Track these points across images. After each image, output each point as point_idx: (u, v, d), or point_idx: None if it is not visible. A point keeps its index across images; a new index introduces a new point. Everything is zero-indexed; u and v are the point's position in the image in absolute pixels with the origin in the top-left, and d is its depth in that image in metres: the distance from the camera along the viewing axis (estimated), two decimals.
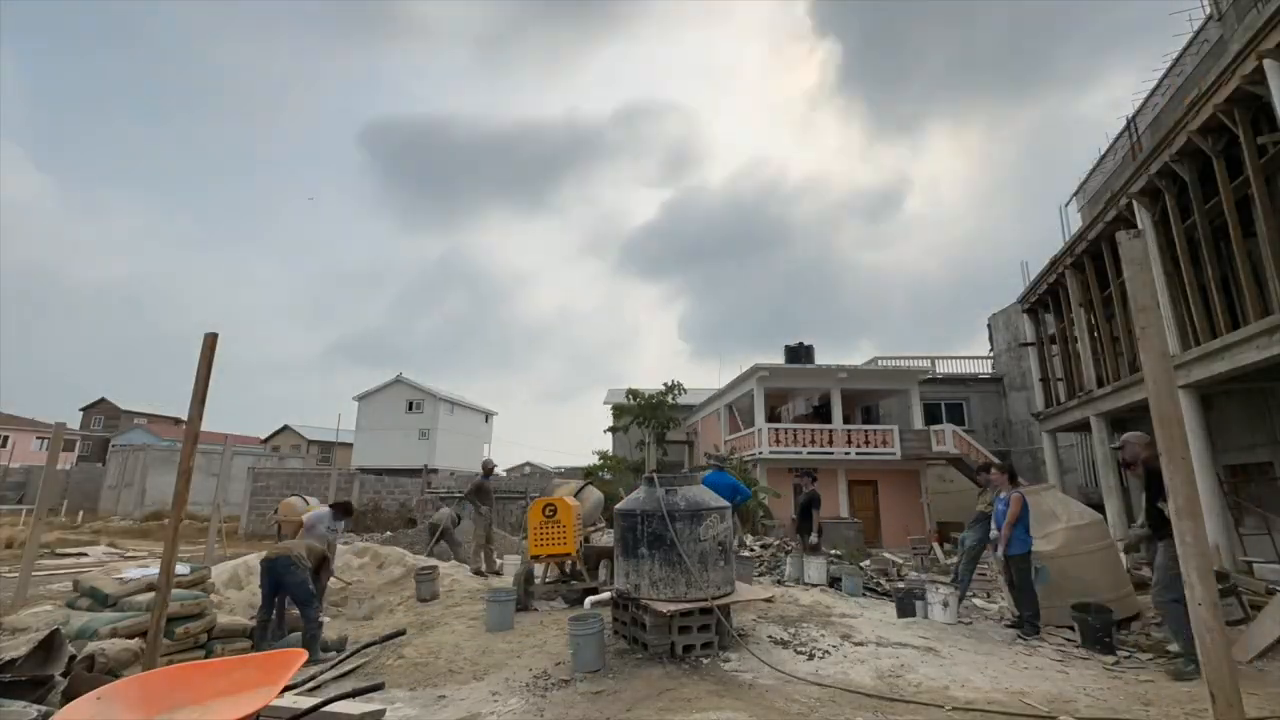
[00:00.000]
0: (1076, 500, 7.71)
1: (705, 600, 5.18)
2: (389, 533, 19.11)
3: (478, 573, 9.54)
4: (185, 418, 4.17)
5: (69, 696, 3.63)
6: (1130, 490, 14.42)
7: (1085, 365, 13.94)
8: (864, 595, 8.13)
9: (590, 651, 4.88)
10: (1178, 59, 13.13)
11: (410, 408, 40.31)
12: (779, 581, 9.13)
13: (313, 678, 4.72)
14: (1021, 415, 23.54)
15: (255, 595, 7.91)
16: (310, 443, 55.49)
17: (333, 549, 7.09)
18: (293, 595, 5.72)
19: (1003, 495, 6.71)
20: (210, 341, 4.26)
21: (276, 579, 5.71)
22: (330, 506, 7.46)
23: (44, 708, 3.24)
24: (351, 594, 8.35)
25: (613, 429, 29.54)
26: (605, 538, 8.70)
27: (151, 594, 4.88)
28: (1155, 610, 5.73)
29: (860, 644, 5.57)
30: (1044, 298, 16.41)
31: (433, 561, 9.55)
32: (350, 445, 43.01)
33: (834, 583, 8.70)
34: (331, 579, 7.67)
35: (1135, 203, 11.44)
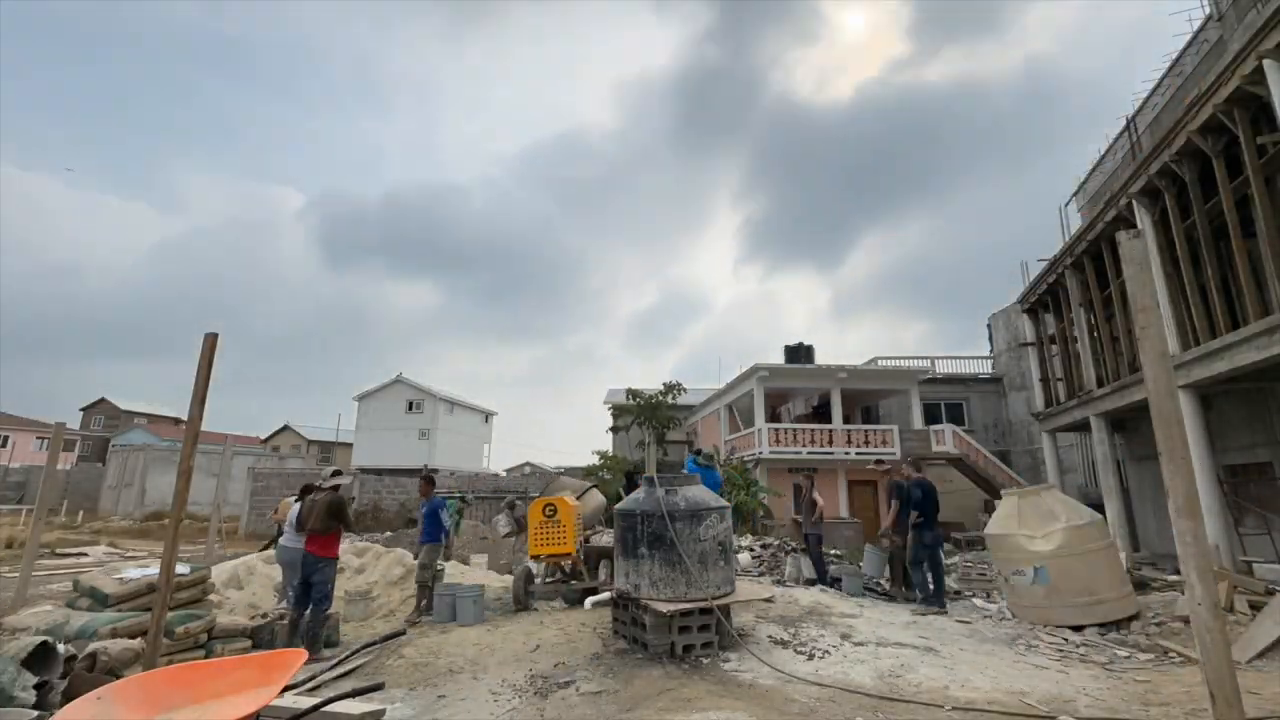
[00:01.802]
0: (1076, 500, 7.72)
1: (705, 600, 5.18)
2: (389, 533, 19.14)
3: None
4: (185, 418, 4.17)
5: (69, 696, 3.63)
6: (1130, 491, 14.42)
7: (1085, 365, 13.94)
8: (864, 595, 8.14)
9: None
10: (1177, 59, 13.12)
11: (410, 408, 40.31)
12: (779, 582, 9.13)
13: (313, 677, 4.72)
14: (1021, 415, 23.53)
15: (255, 595, 7.93)
16: (310, 443, 55.46)
17: None
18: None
19: None
20: (210, 342, 4.26)
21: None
22: (297, 500, 7.60)
23: (41, 712, 3.24)
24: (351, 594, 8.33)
25: (613, 429, 29.53)
26: (605, 538, 8.70)
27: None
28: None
29: (860, 644, 5.57)
30: (1044, 298, 16.39)
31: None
32: (350, 445, 43.01)
33: (834, 583, 8.73)
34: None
35: (1135, 203, 11.44)
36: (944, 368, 26.03)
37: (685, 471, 8.60)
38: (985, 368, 26.24)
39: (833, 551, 11.89)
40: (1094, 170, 16.56)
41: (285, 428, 57.06)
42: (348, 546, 10.20)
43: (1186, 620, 5.77)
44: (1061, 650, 5.75)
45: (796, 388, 23.99)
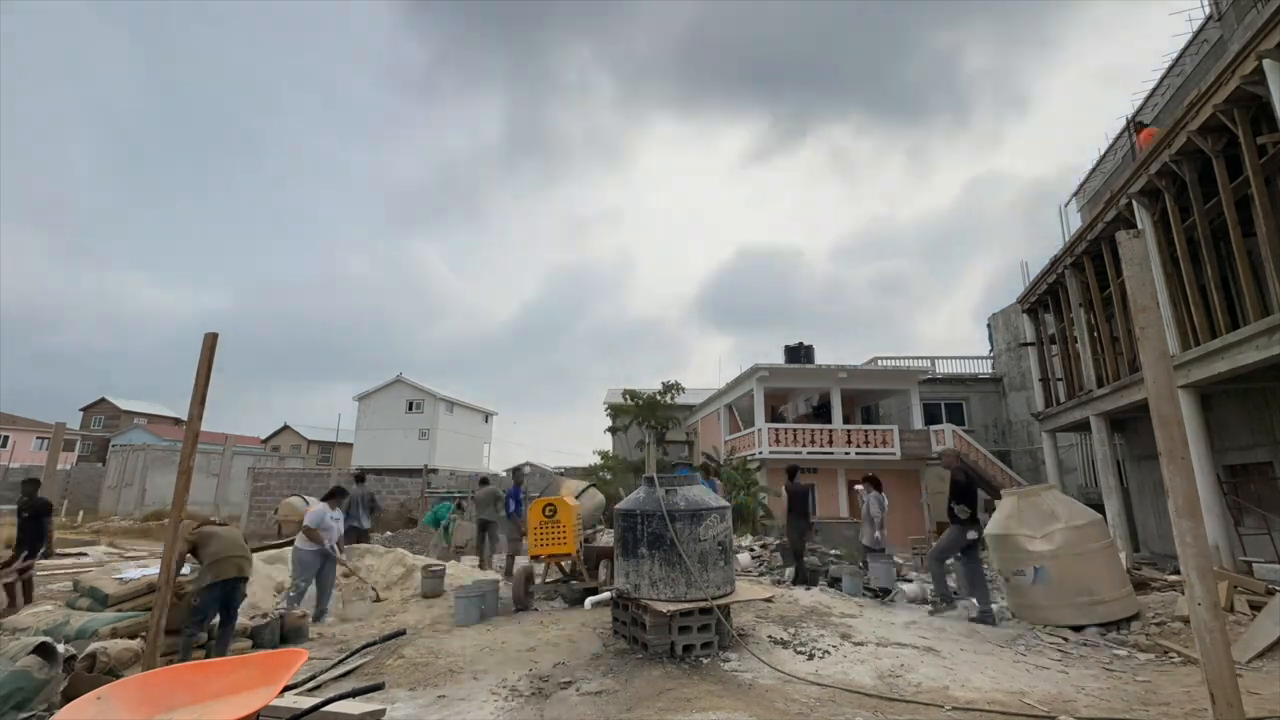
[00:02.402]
0: (1076, 500, 7.71)
1: (705, 600, 5.18)
2: (389, 533, 19.12)
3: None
4: (185, 418, 4.17)
5: (69, 697, 3.64)
6: (1130, 491, 14.42)
7: (1085, 365, 13.94)
8: (863, 595, 8.14)
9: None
10: (1178, 59, 13.12)
11: (410, 408, 40.28)
12: (779, 581, 9.13)
13: (313, 677, 4.72)
14: (1021, 415, 23.54)
15: (255, 595, 7.91)
16: (310, 443, 55.50)
17: (340, 539, 7.40)
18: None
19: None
20: (210, 341, 4.26)
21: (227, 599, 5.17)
22: (323, 499, 7.62)
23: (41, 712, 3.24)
24: (351, 594, 8.34)
25: (613, 429, 29.53)
26: (605, 538, 8.71)
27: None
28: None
29: (860, 644, 5.57)
30: (1044, 298, 16.40)
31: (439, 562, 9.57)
32: (350, 445, 43.00)
33: (834, 583, 8.73)
34: (342, 570, 7.80)
35: (1135, 203, 11.44)
36: (944, 368, 26.03)
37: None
38: (985, 368, 26.24)
39: (833, 552, 11.88)
40: (1094, 170, 16.56)
41: (285, 428, 57.10)
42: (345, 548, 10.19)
43: (1186, 620, 5.77)
44: (1061, 650, 5.75)
45: (796, 388, 23.98)
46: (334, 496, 7.73)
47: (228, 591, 5.06)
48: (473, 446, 44.02)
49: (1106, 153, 15.90)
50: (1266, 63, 7.96)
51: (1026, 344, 18.26)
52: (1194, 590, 2.68)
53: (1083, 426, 14.76)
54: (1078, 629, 6.37)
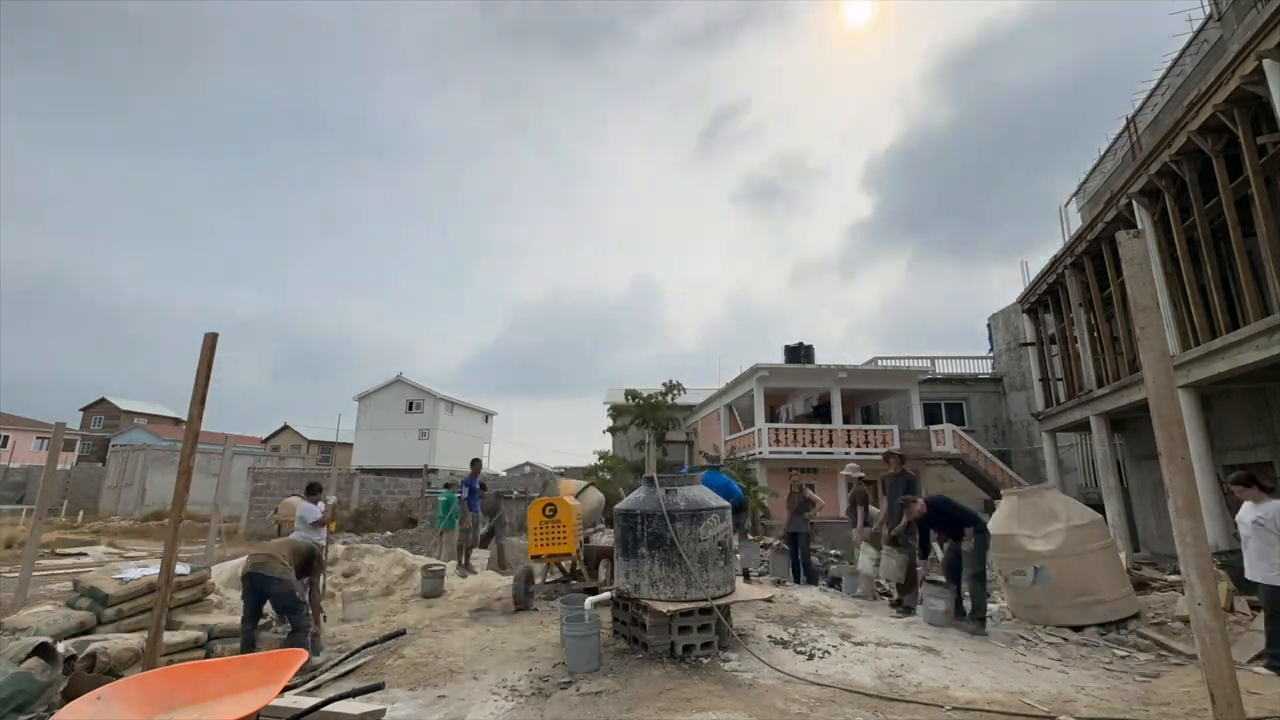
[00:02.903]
0: (1076, 500, 7.71)
1: (705, 600, 5.18)
2: (389, 533, 19.14)
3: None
4: (185, 418, 4.17)
5: (69, 697, 3.64)
6: (1130, 491, 14.42)
7: (1085, 365, 13.94)
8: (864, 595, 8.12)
9: (584, 652, 4.87)
10: (1177, 59, 13.12)
11: (410, 408, 40.30)
12: (779, 581, 9.13)
13: (313, 677, 4.73)
14: (1021, 415, 23.53)
15: None
16: (310, 443, 55.53)
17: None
18: (277, 605, 5.35)
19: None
20: (210, 341, 4.26)
21: (260, 592, 5.29)
22: (306, 495, 7.64)
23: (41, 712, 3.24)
24: (351, 594, 8.34)
25: (612, 429, 29.51)
26: (605, 538, 8.70)
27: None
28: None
29: (860, 644, 5.56)
30: (1044, 298, 16.40)
31: (438, 562, 9.56)
32: (350, 445, 43.02)
33: (834, 583, 8.73)
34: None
35: (1135, 203, 11.44)
36: (944, 368, 26.03)
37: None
38: (985, 368, 26.24)
39: (833, 551, 11.89)
40: (1094, 170, 16.55)
41: (285, 428, 57.14)
42: (345, 548, 10.20)
43: (1186, 620, 5.77)
44: (1061, 650, 5.75)
45: (796, 388, 23.98)
46: (314, 492, 7.79)
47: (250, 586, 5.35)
48: (473, 446, 43.98)
49: (1106, 153, 15.90)
50: (1266, 63, 7.97)
51: (1026, 344, 18.27)
52: (1194, 590, 2.68)
53: (1083, 426, 14.77)
54: (1078, 629, 6.37)
